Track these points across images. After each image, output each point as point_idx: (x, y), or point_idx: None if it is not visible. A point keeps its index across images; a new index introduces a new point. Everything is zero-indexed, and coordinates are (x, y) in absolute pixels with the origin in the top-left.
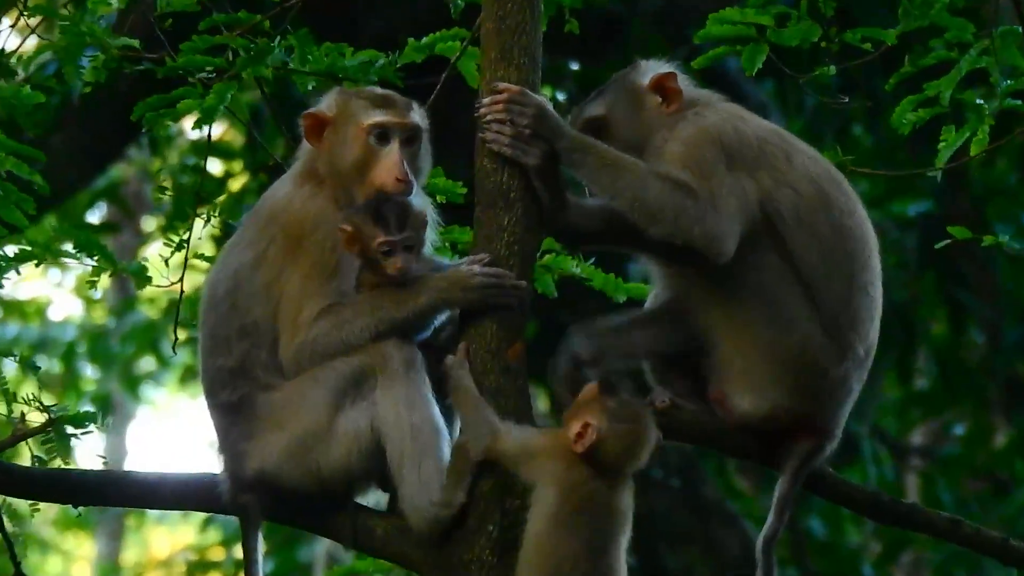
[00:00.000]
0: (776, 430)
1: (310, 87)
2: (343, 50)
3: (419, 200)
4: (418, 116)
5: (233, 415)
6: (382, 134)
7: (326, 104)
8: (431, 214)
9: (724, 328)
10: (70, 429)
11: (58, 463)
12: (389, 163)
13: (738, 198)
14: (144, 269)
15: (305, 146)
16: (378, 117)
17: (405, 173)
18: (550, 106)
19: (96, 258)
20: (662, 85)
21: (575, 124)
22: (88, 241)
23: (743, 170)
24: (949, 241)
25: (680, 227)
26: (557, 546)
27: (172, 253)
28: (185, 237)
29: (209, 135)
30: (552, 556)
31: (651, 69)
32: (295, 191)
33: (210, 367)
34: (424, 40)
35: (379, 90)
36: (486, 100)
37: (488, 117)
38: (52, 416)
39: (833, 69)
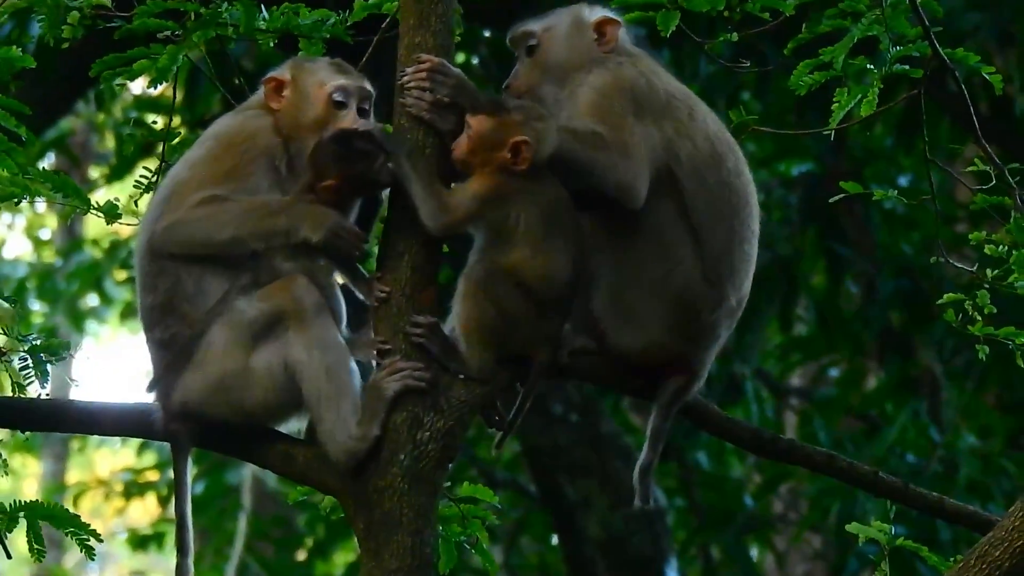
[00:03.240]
0: (650, 366)
1: (272, 44)
2: (298, 9)
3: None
4: (369, 84)
5: (164, 351)
6: (342, 97)
7: (284, 70)
8: None
9: (615, 267)
10: (45, 357)
11: (36, 387)
12: (349, 118)
13: (646, 145)
14: (115, 207)
15: (253, 96)
16: (340, 80)
17: (363, 125)
18: (466, 78)
19: (70, 198)
20: (603, 28)
21: (510, 35)
22: (63, 183)
23: (650, 118)
24: (840, 196)
25: (595, 177)
26: (551, 251)
27: (140, 194)
28: (152, 180)
29: (175, 93)
30: (550, 261)
31: (601, 12)
32: (235, 115)
33: (144, 304)
34: (370, 0)
35: (335, 60)
36: (410, 69)
37: (410, 84)
38: (20, 345)
39: (735, 36)
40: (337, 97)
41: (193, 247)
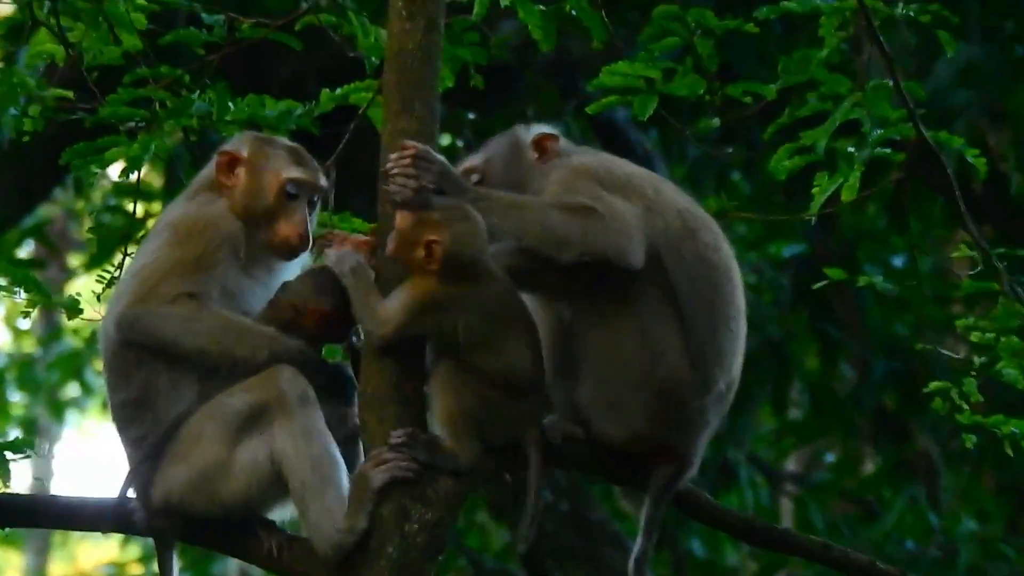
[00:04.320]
0: (636, 454)
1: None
2: (264, 101)
3: (305, 259)
4: (324, 179)
5: (140, 447)
6: (295, 190)
7: (240, 145)
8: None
9: (599, 355)
10: (8, 454)
11: None
12: (296, 220)
13: (630, 212)
14: (76, 302)
15: (203, 173)
16: (296, 174)
17: (307, 233)
18: (450, 165)
19: (31, 292)
20: (542, 143)
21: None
22: (24, 277)
23: (619, 195)
24: (826, 282)
25: (588, 244)
26: (503, 349)
27: (104, 288)
28: (116, 273)
29: (139, 180)
30: (505, 357)
31: (537, 129)
32: (189, 203)
33: (115, 403)
34: (339, 91)
35: (291, 143)
36: (393, 156)
37: (395, 171)
38: None
39: (717, 121)
40: (290, 190)
41: (156, 342)
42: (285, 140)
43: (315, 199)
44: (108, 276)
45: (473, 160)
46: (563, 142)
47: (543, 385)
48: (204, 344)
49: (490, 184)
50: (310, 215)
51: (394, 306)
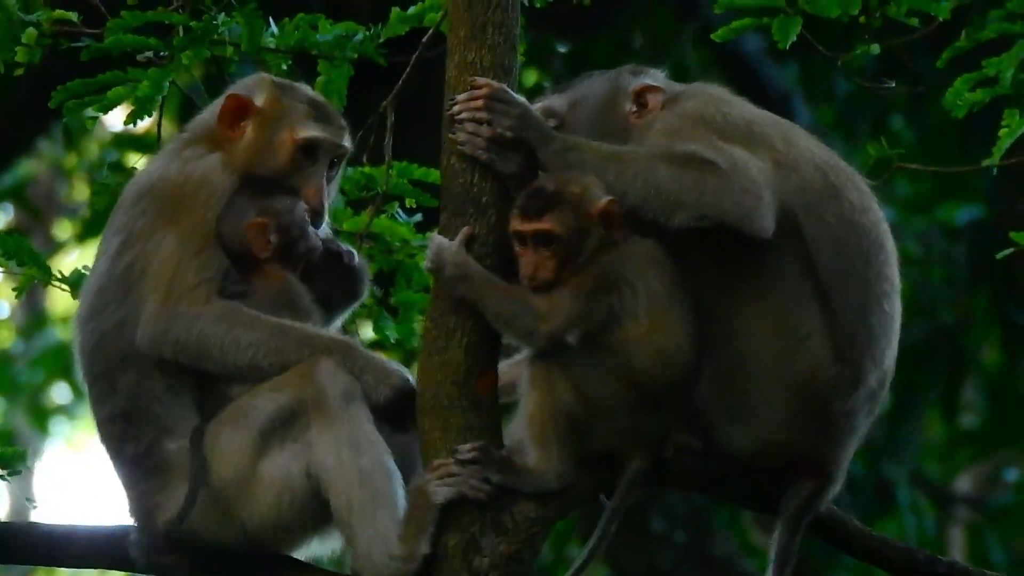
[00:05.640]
0: (770, 469)
1: (284, 67)
2: (316, 22)
3: (324, 228)
4: (349, 139)
5: (140, 467)
6: (312, 151)
7: (254, 90)
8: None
9: (722, 345)
10: None
11: None
12: (312, 186)
13: (756, 167)
14: (84, 278)
15: (198, 119)
16: (314, 132)
17: (322, 202)
18: (532, 108)
19: (27, 266)
20: (644, 96)
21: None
22: (18, 246)
23: (739, 146)
24: (1011, 250)
25: (706, 204)
26: (673, 324)
27: None
28: None
29: (160, 125)
30: (670, 338)
31: (644, 76)
32: (171, 160)
33: (102, 417)
34: (411, 10)
35: (315, 95)
36: (461, 97)
37: (463, 115)
38: None
39: (876, 48)
40: (306, 151)
41: (197, 361)
42: (308, 90)
43: (335, 163)
44: None
45: (554, 100)
46: (667, 85)
47: (681, 401)
48: (253, 350)
49: (572, 133)
50: (329, 182)
51: (562, 295)
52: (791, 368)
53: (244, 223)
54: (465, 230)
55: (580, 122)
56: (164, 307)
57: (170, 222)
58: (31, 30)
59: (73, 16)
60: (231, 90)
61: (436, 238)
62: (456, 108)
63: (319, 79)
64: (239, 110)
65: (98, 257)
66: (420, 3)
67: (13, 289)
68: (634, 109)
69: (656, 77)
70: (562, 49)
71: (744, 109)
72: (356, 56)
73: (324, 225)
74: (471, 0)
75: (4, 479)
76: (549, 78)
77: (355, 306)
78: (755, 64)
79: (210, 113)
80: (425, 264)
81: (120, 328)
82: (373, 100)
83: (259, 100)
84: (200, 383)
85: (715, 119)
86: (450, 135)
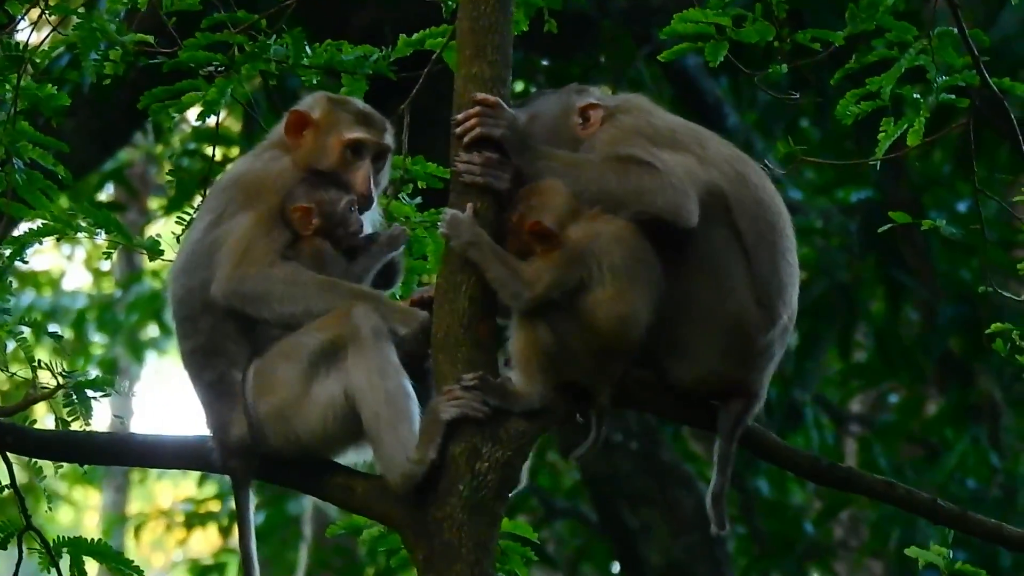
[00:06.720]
0: (707, 393)
1: (315, 80)
2: (341, 46)
3: (374, 213)
4: (391, 137)
5: (215, 390)
6: (358, 149)
7: (313, 106)
8: (378, 217)
9: (667, 299)
10: (89, 392)
11: (79, 424)
12: (359, 177)
13: (683, 167)
14: (157, 243)
15: (275, 130)
16: (357, 134)
17: (370, 189)
18: (519, 121)
19: (112, 234)
20: (587, 112)
21: None
22: (106, 218)
23: (668, 150)
24: (891, 225)
25: (644, 203)
26: (635, 295)
27: (183, 230)
28: (194, 215)
29: (217, 125)
30: (631, 307)
31: (587, 95)
32: (255, 160)
33: (185, 350)
34: (415, 36)
35: (362, 105)
36: (460, 116)
37: (464, 138)
38: (68, 381)
39: (785, 67)
40: (353, 149)
41: (260, 310)
42: (358, 102)
43: (380, 157)
44: (187, 218)
45: (517, 113)
46: (603, 96)
47: (633, 352)
48: (306, 306)
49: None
50: (377, 173)
51: (541, 263)
52: (723, 312)
53: (292, 206)
54: (471, 205)
55: (537, 132)
56: (237, 269)
57: (249, 207)
58: (117, 48)
59: (151, 39)
60: (295, 107)
61: (451, 211)
62: (459, 128)
63: (343, 89)
64: (300, 123)
65: (194, 225)
66: (422, 31)
67: (103, 252)
68: (580, 122)
69: (595, 95)
70: (545, 63)
71: (666, 118)
72: (371, 72)
73: (373, 209)
74: (474, 27)
75: (98, 400)
76: (534, 87)
77: (389, 293)
78: (695, 77)
79: (279, 126)
80: (441, 230)
81: (204, 283)
82: (391, 107)
83: (316, 113)
84: (257, 328)
85: (646, 130)
86: (455, 158)
